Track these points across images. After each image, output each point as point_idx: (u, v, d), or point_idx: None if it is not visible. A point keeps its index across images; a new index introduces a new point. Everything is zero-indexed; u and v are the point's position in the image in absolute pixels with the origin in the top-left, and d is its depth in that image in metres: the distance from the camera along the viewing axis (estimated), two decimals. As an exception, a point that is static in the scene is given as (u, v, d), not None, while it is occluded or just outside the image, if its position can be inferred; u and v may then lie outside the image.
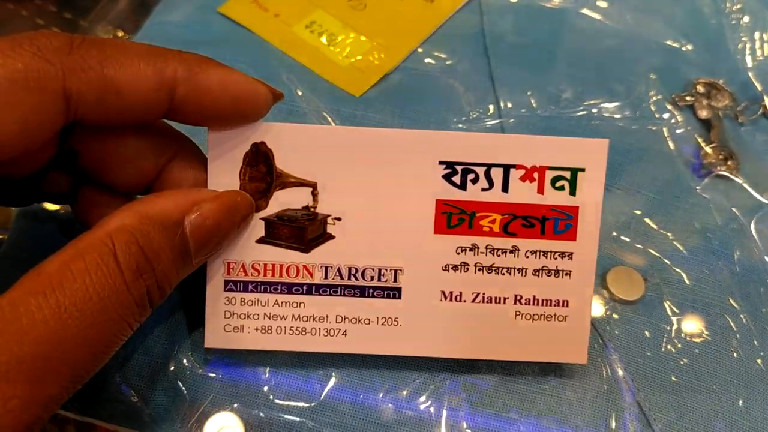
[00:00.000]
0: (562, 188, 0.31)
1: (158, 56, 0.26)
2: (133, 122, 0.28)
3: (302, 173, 0.30)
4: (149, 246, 0.25)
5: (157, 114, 0.27)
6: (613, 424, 0.32)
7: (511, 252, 0.31)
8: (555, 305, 0.31)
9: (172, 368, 0.33)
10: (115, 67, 0.25)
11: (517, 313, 0.31)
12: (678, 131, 0.42)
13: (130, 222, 0.25)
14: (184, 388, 0.32)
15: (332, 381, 0.33)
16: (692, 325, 0.35)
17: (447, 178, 0.30)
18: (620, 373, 0.34)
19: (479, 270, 0.31)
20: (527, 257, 0.31)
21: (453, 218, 0.31)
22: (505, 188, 0.31)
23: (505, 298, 0.31)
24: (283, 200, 0.30)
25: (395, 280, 0.31)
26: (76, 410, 0.32)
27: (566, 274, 0.31)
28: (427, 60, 0.45)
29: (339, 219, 0.31)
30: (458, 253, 0.31)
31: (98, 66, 0.25)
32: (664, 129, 0.42)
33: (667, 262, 0.37)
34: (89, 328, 0.23)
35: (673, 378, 0.34)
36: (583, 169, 0.30)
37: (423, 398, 0.33)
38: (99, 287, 0.23)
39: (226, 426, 0.31)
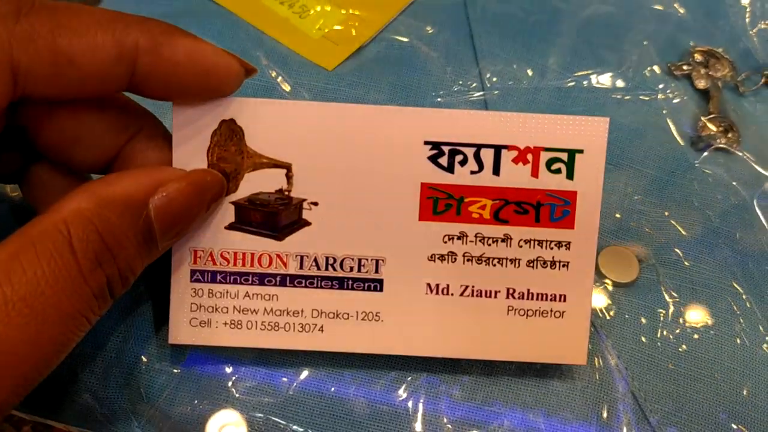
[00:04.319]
0: (558, 171, 0.30)
1: (118, 23, 0.25)
2: (90, 96, 0.26)
3: (276, 153, 0.29)
4: (109, 232, 0.24)
5: (117, 87, 0.26)
6: (606, 416, 0.32)
7: (502, 241, 0.30)
8: (551, 300, 0.30)
9: (127, 363, 0.32)
10: (69, 36, 0.24)
11: (510, 308, 0.30)
12: (674, 102, 0.41)
13: (87, 205, 0.24)
14: (138, 384, 0.32)
15: (301, 374, 0.32)
16: (691, 309, 0.35)
17: (433, 159, 0.29)
18: (612, 361, 0.33)
19: (468, 260, 0.30)
20: (521, 247, 0.30)
21: (439, 204, 0.30)
22: (496, 171, 0.30)
23: (496, 292, 0.30)
24: (254, 183, 0.30)
25: (376, 271, 0.30)
26: (22, 408, 0.31)
27: (563, 266, 0.30)
28: (404, 30, 0.43)
29: (315, 204, 0.30)
30: (445, 242, 0.30)
31: (49, 35, 0.23)
32: (659, 100, 0.41)
33: (664, 241, 0.36)
34: (41, 325, 0.22)
35: (671, 366, 0.33)
36: (581, 151, 0.29)
37: (399, 391, 0.32)
38: (52, 280, 0.22)
39: (228, 423, 0.31)
